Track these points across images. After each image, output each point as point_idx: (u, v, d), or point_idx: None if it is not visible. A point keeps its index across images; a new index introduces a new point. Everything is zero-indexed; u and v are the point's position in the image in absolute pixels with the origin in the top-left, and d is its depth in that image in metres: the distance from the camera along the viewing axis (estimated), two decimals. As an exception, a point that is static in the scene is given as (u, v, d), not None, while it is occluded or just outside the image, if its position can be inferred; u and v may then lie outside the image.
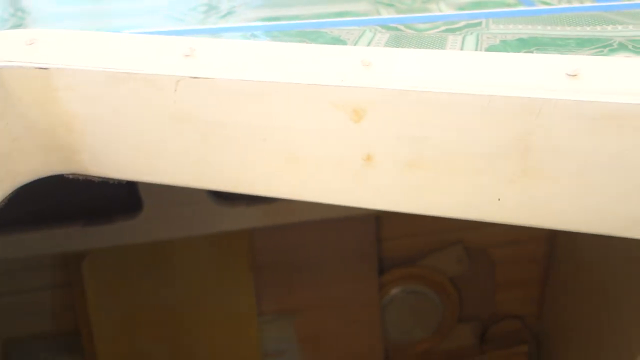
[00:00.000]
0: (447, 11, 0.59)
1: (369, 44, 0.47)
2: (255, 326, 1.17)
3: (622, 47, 0.44)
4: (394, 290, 1.20)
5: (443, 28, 0.50)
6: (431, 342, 1.23)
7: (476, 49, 0.45)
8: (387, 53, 0.36)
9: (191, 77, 0.36)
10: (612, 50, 0.43)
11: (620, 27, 0.48)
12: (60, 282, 1.15)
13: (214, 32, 0.57)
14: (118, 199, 0.99)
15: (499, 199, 0.37)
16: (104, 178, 0.45)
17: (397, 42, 0.48)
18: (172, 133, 0.40)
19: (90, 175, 0.46)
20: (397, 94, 0.34)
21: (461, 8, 0.61)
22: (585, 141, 0.33)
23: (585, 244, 1.01)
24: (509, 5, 0.61)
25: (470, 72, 0.34)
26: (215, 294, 1.15)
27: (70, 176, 0.46)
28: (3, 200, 0.41)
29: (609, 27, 0.48)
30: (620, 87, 0.32)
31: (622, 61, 0.34)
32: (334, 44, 0.48)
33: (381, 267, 1.19)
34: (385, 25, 0.52)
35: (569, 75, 0.33)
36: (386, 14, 0.60)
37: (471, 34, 0.48)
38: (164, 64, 0.37)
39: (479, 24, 0.51)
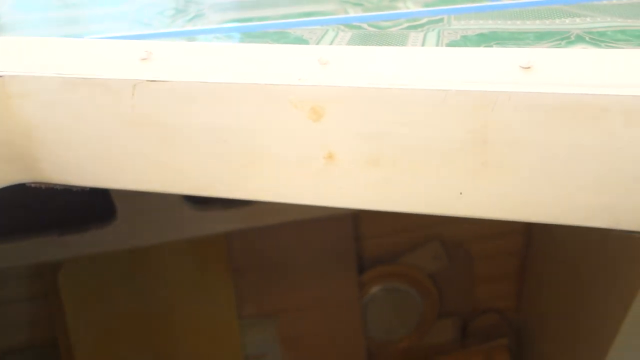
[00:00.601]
0: (414, 8, 0.60)
1: (331, 43, 0.47)
2: (236, 330, 1.17)
3: (579, 39, 0.44)
4: (374, 289, 1.20)
5: (405, 25, 0.51)
6: (413, 338, 1.23)
7: (437, 45, 0.45)
8: (344, 51, 0.36)
9: (148, 81, 0.36)
10: (570, 43, 0.44)
11: (578, 20, 0.48)
12: (36, 293, 1.13)
13: (178, 35, 0.57)
14: (92, 206, 0.98)
15: (461, 193, 0.37)
16: (67, 186, 0.44)
17: (359, 40, 0.48)
18: (132, 138, 0.39)
19: (52, 184, 0.45)
20: (354, 91, 0.34)
21: (428, 5, 0.61)
22: (541, 133, 0.33)
23: (559, 236, 1.02)
24: (475, 0, 0.61)
25: (426, 68, 0.34)
26: (195, 298, 1.14)
27: (33, 185, 0.46)
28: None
29: (567, 20, 0.49)
30: (573, 78, 0.32)
31: (574, 52, 0.35)
32: (297, 43, 0.48)
33: (361, 265, 1.19)
34: (348, 24, 0.52)
35: (523, 67, 0.33)
36: (353, 13, 0.60)
37: (433, 30, 0.49)
38: (120, 68, 0.37)
39: (441, 20, 0.51)
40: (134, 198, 0.92)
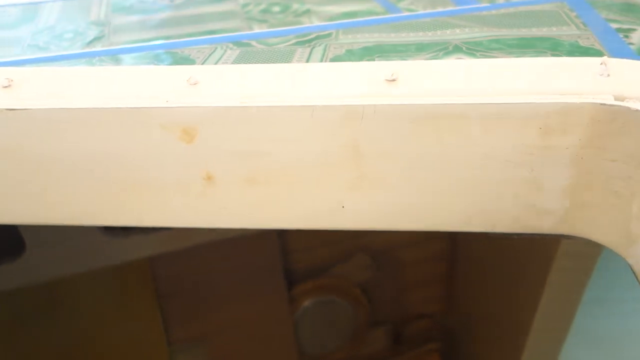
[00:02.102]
0: (318, 23, 0.60)
1: (217, 62, 0.46)
2: (166, 357, 1.13)
3: (456, 49, 0.46)
4: (306, 303, 1.19)
5: (294, 41, 0.51)
6: (347, 350, 1.24)
7: (322, 60, 0.45)
8: (213, 70, 0.35)
9: (8, 110, 0.34)
10: (447, 53, 0.45)
11: (458, 31, 0.50)
12: (-52, 335, 1.06)
13: (66, 58, 0.55)
14: None
15: (343, 206, 0.37)
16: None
17: (246, 58, 0.48)
18: (2, 169, 0.37)
19: None
20: (224, 111, 0.33)
21: (332, 19, 0.62)
22: (409, 143, 0.34)
23: (479, 239, 1.05)
24: (377, 14, 0.62)
25: (294, 85, 0.34)
26: (121, 328, 1.10)
27: None
28: None
29: (448, 31, 0.50)
30: (435, 88, 0.33)
31: (437, 64, 0.36)
32: (183, 63, 0.47)
33: (292, 280, 1.18)
34: (237, 42, 0.51)
35: (388, 80, 0.34)
36: (259, 30, 0.60)
37: (319, 45, 0.49)
38: (-21, 97, 0.35)
39: (329, 35, 0.52)
40: (42, 230, 0.88)
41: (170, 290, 1.09)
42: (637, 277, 0.34)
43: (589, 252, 0.61)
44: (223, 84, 0.35)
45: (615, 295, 0.84)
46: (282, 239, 1.14)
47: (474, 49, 0.46)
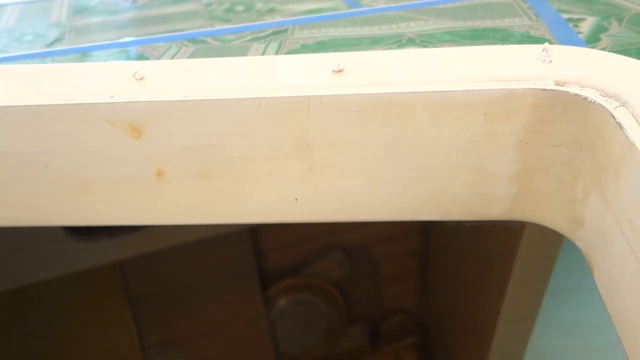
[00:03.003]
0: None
1: (172, 58, 0.46)
2: (141, 362, 1.12)
3: (410, 41, 0.46)
4: (281, 303, 1.19)
5: (249, 37, 0.51)
6: (323, 348, 1.24)
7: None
8: (160, 65, 0.35)
9: (-51, 109, 0.33)
10: (400, 46, 0.45)
11: (412, 24, 0.50)
12: None
13: (18, 59, 0.54)
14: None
15: (296, 199, 0.37)
16: None
17: (201, 54, 0.48)
18: (-52, 171, 0.37)
19: None
20: (171, 105, 0.33)
21: (295, 17, 0.62)
22: (358, 133, 0.34)
23: (449, 234, 1.06)
24: (339, 9, 0.62)
25: (242, 77, 0.34)
26: (93, 334, 1.09)
27: None
28: None
29: (403, 24, 0.50)
30: (381, 78, 0.33)
31: (384, 54, 0.36)
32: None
33: (267, 280, 1.18)
34: (192, 39, 0.51)
35: (335, 71, 0.34)
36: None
37: (275, 41, 0.49)
38: None
39: (285, 31, 0.52)
40: (6, 235, 0.87)
41: (143, 294, 1.08)
42: (586, 260, 0.35)
43: (551, 240, 0.62)
44: (169, 79, 0.34)
45: (582, 284, 0.85)
46: (255, 239, 1.13)
47: (427, 41, 0.46)
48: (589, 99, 0.30)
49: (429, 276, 1.26)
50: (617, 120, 0.29)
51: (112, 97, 0.33)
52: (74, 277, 0.99)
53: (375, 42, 0.47)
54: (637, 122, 0.29)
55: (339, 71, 0.34)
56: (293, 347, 1.24)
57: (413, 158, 0.35)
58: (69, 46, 0.59)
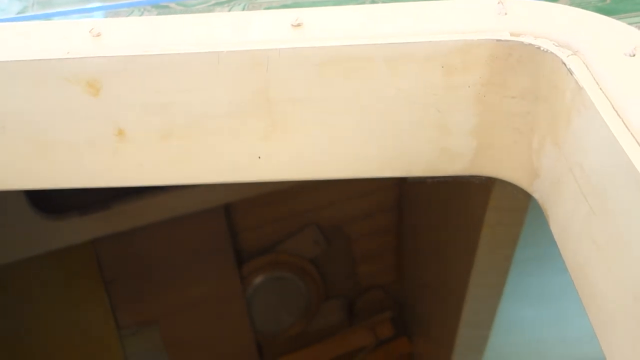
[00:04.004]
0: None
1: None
2: (117, 341, 1.12)
3: (373, 2, 0.46)
4: (257, 280, 1.20)
5: (213, 2, 0.50)
6: (300, 324, 1.24)
7: (240, 18, 0.45)
8: (117, 22, 0.35)
9: None
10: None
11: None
12: None
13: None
14: None
15: (259, 157, 0.38)
16: None
17: (164, 18, 0.47)
18: None
19: None
20: (127, 60, 0.33)
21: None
22: (318, 88, 0.34)
23: (420, 209, 1.07)
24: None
25: (200, 32, 0.34)
26: (68, 315, 1.08)
27: None
28: None
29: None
30: (340, 32, 0.33)
31: (344, 9, 0.36)
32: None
33: (241, 259, 1.18)
34: (155, 5, 0.51)
35: (294, 25, 0.34)
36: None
37: (239, 5, 0.49)
38: None
39: (249, -5, 0.51)
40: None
41: (117, 274, 1.07)
42: (543, 210, 0.35)
43: (517, 207, 0.63)
44: (126, 35, 0.34)
45: (550, 253, 0.87)
46: (230, 218, 1.13)
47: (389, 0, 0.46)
48: (542, 49, 0.31)
49: (403, 253, 1.28)
50: (568, 67, 0.29)
51: (68, 53, 0.33)
52: (47, 258, 0.98)
53: (338, 4, 0.46)
54: (587, 68, 0.29)
55: (298, 25, 0.34)
56: (270, 325, 1.25)
57: (374, 113, 0.35)
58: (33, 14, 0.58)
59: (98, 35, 0.34)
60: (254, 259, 1.18)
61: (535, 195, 0.36)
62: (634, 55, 0.29)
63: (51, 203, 0.90)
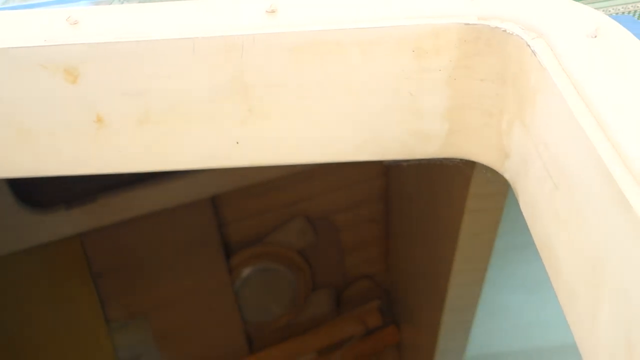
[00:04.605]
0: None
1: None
2: (105, 335, 1.12)
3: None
4: (245, 272, 1.20)
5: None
6: (289, 315, 1.25)
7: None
8: (93, 9, 0.35)
9: None
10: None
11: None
12: None
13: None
14: None
15: (237, 142, 0.38)
16: None
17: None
18: None
19: None
20: (104, 47, 0.33)
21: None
22: (293, 73, 0.35)
23: (407, 197, 1.08)
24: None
25: (174, 19, 0.34)
26: (55, 310, 1.08)
27: None
28: None
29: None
30: (315, 17, 0.34)
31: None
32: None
33: (229, 251, 1.19)
34: (133, -6, 0.51)
35: (268, 12, 0.34)
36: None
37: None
38: None
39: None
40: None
41: (106, 267, 1.08)
42: (513, 190, 0.36)
43: (496, 190, 0.64)
44: (103, 22, 0.35)
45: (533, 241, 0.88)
46: (217, 211, 1.14)
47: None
48: (508, 31, 0.32)
49: (390, 242, 1.29)
50: (532, 48, 0.30)
51: (45, 40, 0.33)
52: (33, 253, 0.98)
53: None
54: (551, 50, 0.30)
55: (272, 11, 0.34)
56: (259, 316, 1.26)
57: (347, 98, 0.36)
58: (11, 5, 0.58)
59: (75, 23, 0.34)
60: (241, 251, 1.19)
61: (506, 175, 0.37)
62: (595, 37, 0.30)
63: (37, 197, 0.90)
